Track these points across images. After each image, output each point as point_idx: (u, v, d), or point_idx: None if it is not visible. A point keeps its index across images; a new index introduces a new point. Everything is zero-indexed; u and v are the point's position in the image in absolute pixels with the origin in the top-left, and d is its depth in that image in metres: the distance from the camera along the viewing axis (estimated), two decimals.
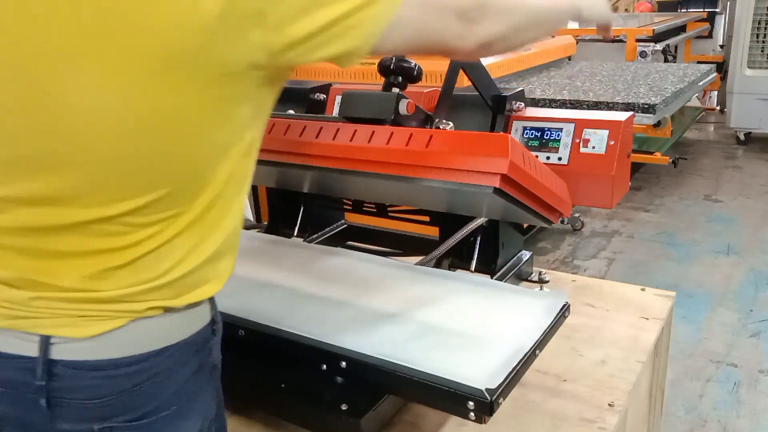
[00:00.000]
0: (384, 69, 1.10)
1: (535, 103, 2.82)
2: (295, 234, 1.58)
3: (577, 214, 4.19)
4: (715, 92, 7.11)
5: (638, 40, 4.72)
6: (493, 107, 1.31)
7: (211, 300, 0.81)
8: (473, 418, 0.91)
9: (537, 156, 1.32)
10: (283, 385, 1.08)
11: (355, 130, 1.02)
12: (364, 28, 0.70)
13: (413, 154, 0.97)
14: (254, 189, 2.29)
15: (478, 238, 1.35)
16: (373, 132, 1.01)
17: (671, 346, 1.52)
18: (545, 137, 1.33)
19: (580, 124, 1.30)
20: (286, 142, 1.08)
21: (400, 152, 0.98)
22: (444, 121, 1.10)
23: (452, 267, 1.38)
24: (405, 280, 1.22)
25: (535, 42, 1.05)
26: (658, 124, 2.92)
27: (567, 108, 2.77)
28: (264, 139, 1.10)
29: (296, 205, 1.58)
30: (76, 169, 0.66)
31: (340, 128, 1.04)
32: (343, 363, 1.00)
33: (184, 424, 0.78)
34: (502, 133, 1.08)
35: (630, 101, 2.81)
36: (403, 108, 1.02)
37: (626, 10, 8.12)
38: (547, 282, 1.47)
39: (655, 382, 1.45)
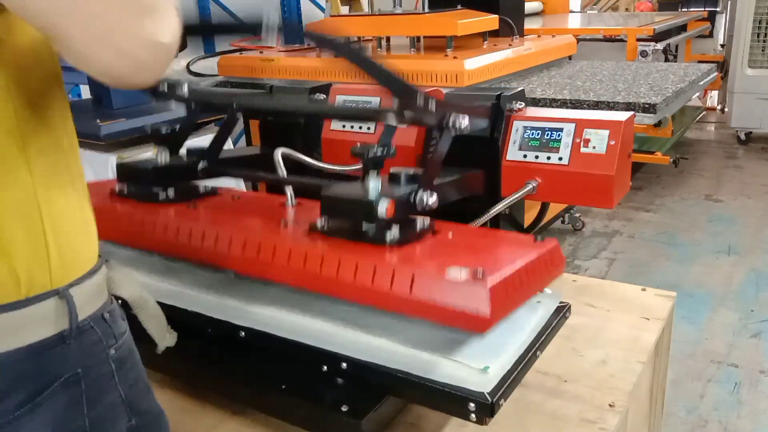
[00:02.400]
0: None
1: (535, 102, 2.81)
2: None
3: (577, 214, 4.19)
4: (716, 92, 7.11)
5: (639, 40, 4.71)
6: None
7: None
8: (474, 419, 0.90)
9: (537, 156, 1.32)
10: (284, 386, 1.08)
11: (340, 260, 0.95)
12: None
13: (394, 297, 0.91)
14: (254, 189, 2.29)
15: None
16: (357, 265, 0.94)
17: (672, 346, 1.51)
18: (546, 137, 1.33)
19: (581, 124, 1.30)
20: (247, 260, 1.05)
21: (383, 293, 0.92)
22: (429, 192, 1.05)
23: None
24: None
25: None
26: (658, 124, 2.91)
27: (567, 108, 2.77)
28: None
29: None
30: None
31: (324, 256, 0.97)
32: (344, 364, 1.00)
33: None
34: (485, 287, 0.86)
35: (630, 101, 2.80)
36: (382, 210, 0.97)
37: (627, 9, 8.12)
38: None
39: (655, 382, 1.45)
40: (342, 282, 0.95)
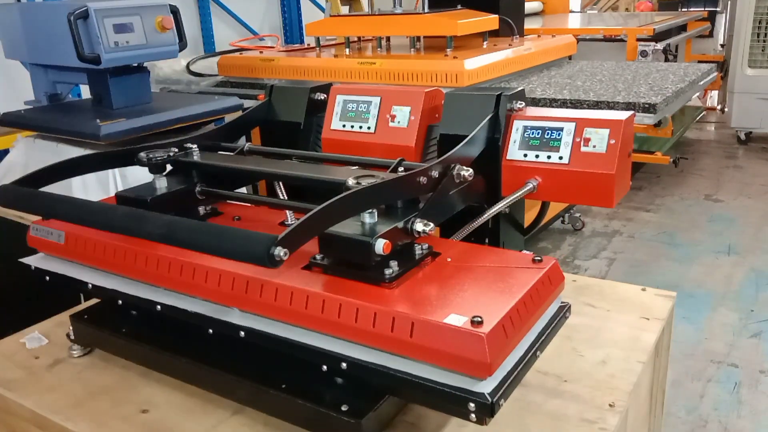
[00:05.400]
0: None
1: (535, 102, 2.82)
2: None
3: (577, 214, 4.19)
4: (716, 92, 7.12)
5: (639, 40, 4.72)
6: None
7: None
8: (474, 419, 0.90)
9: (537, 155, 1.32)
10: (284, 386, 1.08)
11: (341, 305, 0.99)
12: None
13: (396, 342, 0.95)
14: (255, 190, 2.29)
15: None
16: (358, 309, 0.97)
17: (672, 346, 1.51)
18: (546, 136, 1.33)
19: (581, 124, 1.30)
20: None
21: (384, 337, 0.96)
22: (425, 222, 1.06)
23: None
24: None
25: None
26: (658, 124, 2.91)
27: (567, 107, 2.77)
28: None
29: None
30: None
31: (325, 301, 1.01)
32: (344, 364, 1.00)
33: None
34: (483, 335, 0.88)
35: (631, 101, 2.80)
36: (379, 249, 0.99)
37: (627, 9, 8.12)
38: None
39: (655, 382, 1.45)
40: (343, 325, 0.99)
